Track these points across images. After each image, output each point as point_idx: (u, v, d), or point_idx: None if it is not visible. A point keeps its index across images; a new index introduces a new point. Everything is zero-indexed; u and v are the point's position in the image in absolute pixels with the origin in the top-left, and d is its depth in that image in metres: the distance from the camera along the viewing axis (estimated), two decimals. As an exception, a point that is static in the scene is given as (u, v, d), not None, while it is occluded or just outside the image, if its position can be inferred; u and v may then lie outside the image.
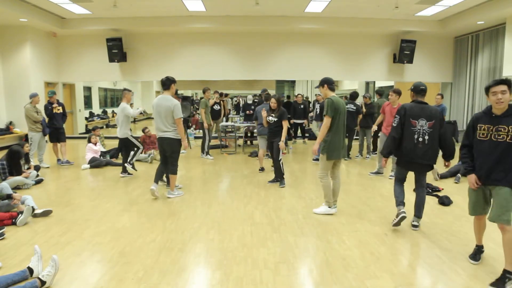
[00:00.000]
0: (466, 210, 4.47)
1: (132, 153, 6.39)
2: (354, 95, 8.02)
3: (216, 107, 9.56)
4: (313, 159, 7.86)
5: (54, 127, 7.38)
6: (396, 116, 3.68)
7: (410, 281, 2.79)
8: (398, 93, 6.13)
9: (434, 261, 3.13)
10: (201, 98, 9.31)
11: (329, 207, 4.38)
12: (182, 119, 4.88)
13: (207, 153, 8.19)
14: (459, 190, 5.48)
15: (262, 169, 6.83)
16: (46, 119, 7.36)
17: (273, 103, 5.62)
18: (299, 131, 10.41)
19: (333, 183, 4.36)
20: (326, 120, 4.13)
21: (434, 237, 3.66)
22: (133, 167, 6.48)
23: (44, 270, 2.70)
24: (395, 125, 3.67)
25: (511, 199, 2.74)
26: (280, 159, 5.69)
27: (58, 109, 7.40)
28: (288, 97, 14.06)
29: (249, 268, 3.00)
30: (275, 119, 5.65)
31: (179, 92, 10.62)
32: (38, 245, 2.94)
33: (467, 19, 9.52)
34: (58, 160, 7.53)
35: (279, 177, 5.77)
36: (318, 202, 4.81)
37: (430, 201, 4.92)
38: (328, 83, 4.29)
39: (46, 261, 2.90)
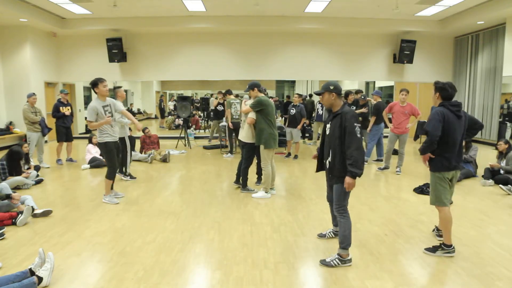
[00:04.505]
0: (466, 210, 4.52)
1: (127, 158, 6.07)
2: (346, 94, 8.04)
3: (220, 107, 9.58)
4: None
5: (64, 126, 7.43)
6: (357, 125, 2.91)
7: (410, 281, 2.79)
8: (408, 92, 6.48)
9: (434, 261, 3.13)
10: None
11: (266, 192, 5.06)
12: (90, 122, 4.58)
13: None
14: (459, 190, 5.47)
15: (289, 155, 8.23)
16: (53, 120, 7.39)
17: None
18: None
19: (264, 171, 5.10)
20: (252, 114, 4.96)
21: (434, 237, 3.65)
22: (131, 177, 6.16)
23: (41, 267, 2.71)
24: (359, 136, 2.90)
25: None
26: None
27: (68, 109, 7.45)
28: (288, 97, 14.08)
29: (249, 268, 2.99)
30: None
31: (178, 92, 10.64)
32: (40, 247, 2.93)
33: (467, 19, 9.52)
34: (58, 160, 7.52)
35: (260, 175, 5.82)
36: (318, 202, 4.82)
37: (430, 201, 4.92)
38: (257, 86, 5.04)
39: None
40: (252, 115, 5.04)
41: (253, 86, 5.03)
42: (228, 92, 8.52)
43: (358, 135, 2.88)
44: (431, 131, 3.12)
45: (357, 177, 2.90)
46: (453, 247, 3.22)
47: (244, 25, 10.43)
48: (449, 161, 3.17)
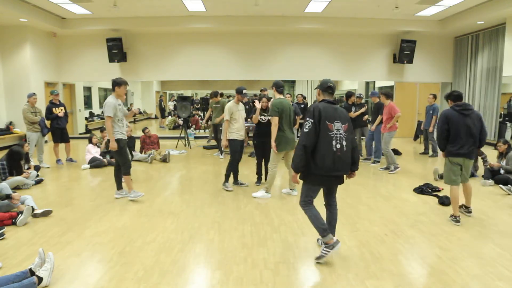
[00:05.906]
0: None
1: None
2: (348, 95, 8.03)
3: None
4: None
5: (58, 127, 7.39)
6: (308, 120, 2.96)
7: (410, 281, 2.79)
8: (384, 94, 6.88)
9: (434, 261, 3.13)
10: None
11: (266, 192, 5.10)
12: (110, 117, 4.63)
13: None
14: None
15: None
16: (48, 122, 7.36)
17: (264, 102, 5.68)
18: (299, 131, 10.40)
19: (289, 171, 5.22)
20: (274, 120, 4.82)
21: (434, 237, 3.65)
22: None
23: (41, 267, 2.72)
24: (306, 130, 2.94)
25: None
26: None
27: (61, 109, 7.42)
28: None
29: (249, 268, 3.00)
30: (268, 118, 5.70)
31: (178, 92, 10.65)
32: (40, 247, 2.93)
33: (467, 19, 9.52)
34: (58, 160, 7.51)
35: (260, 175, 5.88)
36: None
37: (430, 201, 4.92)
38: (277, 86, 4.95)
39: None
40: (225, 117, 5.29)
41: (273, 85, 5.01)
42: (215, 94, 8.89)
43: (304, 130, 2.96)
44: (437, 132, 4.10)
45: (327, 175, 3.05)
46: (459, 217, 4.06)
47: (244, 25, 10.43)
48: (455, 148, 3.97)
